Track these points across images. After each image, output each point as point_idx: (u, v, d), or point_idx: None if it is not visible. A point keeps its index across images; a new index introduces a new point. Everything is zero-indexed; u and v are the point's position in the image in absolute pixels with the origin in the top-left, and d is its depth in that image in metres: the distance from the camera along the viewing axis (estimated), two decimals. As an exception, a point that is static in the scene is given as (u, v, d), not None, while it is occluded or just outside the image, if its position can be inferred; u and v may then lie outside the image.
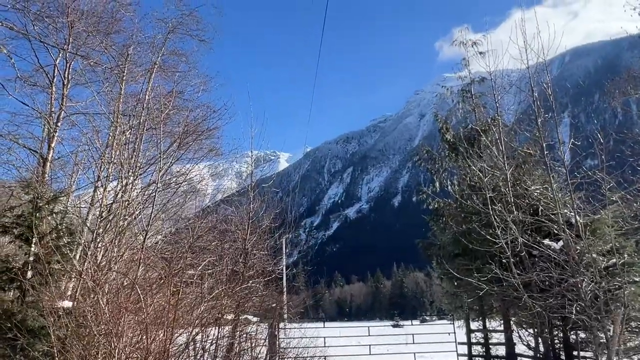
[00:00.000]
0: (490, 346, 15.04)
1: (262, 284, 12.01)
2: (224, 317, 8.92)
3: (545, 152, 10.15)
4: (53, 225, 7.30)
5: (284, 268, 16.50)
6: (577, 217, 9.57)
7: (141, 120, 9.85)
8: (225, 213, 14.83)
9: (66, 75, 9.56)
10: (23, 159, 9.36)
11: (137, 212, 9.36)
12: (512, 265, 9.80)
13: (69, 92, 9.63)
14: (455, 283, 14.19)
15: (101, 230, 8.47)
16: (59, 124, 9.17)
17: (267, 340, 11.53)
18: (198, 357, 7.68)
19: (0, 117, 9.73)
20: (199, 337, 7.37)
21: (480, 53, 14.97)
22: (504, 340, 14.21)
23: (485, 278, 10.04)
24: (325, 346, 14.84)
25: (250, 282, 11.41)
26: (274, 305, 12.69)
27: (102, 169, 9.33)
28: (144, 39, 10.93)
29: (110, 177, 9.30)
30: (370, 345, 17.22)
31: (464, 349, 15.73)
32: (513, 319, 13.71)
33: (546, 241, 10.17)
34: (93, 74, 10.37)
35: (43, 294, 5.99)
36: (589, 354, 11.69)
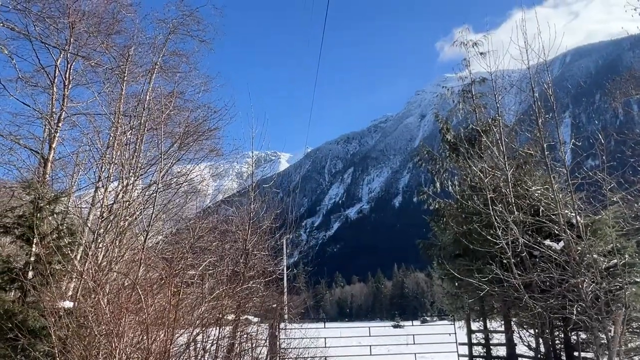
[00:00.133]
0: (491, 347, 15.03)
1: (263, 284, 12.03)
2: (225, 317, 8.93)
3: (546, 153, 10.14)
4: (54, 225, 7.30)
5: (285, 268, 16.52)
6: (578, 217, 9.56)
7: (142, 121, 9.86)
8: (226, 213, 14.87)
9: (67, 76, 9.58)
10: (24, 159, 9.38)
11: (138, 213, 9.37)
12: (512, 265, 9.79)
13: (70, 93, 9.64)
14: (456, 283, 14.19)
15: (102, 230, 8.48)
16: (60, 124, 9.18)
17: (267, 341, 11.53)
18: (199, 358, 7.68)
19: (2, 118, 9.77)
20: (199, 338, 7.37)
21: (481, 53, 14.98)
22: (504, 341, 14.20)
23: (486, 278, 10.03)
24: (325, 346, 14.85)
25: (251, 282, 11.42)
26: (274, 305, 12.70)
27: (103, 169, 9.34)
28: (144, 40, 10.95)
29: (111, 178, 9.31)
30: (370, 345, 17.21)
31: (464, 350, 15.72)
32: (514, 319, 13.69)
33: (547, 242, 10.16)
34: (94, 75, 10.40)
35: (44, 295, 5.99)
36: (589, 355, 11.67)
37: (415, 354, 17.45)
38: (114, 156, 9.27)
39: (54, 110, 9.30)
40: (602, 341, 9.09)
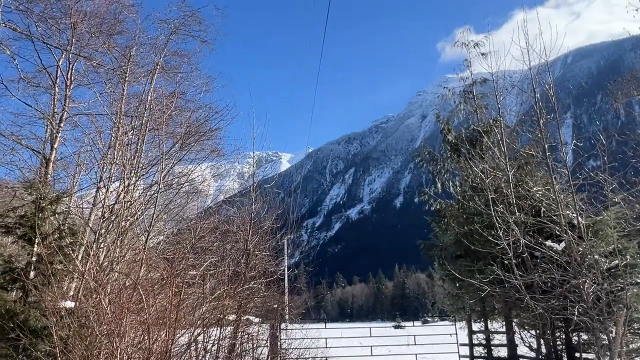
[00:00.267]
0: (492, 347, 15.02)
1: (264, 284, 12.03)
2: (226, 317, 8.93)
3: (548, 153, 10.12)
4: (56, 225, 7.31)
5: (286, 269, 16.52)
6: (580, 218, 9.55)
7: (143, 121, 9.87)
8: (227, 214, 14.88)
9: (69, 76, 9.59)
10: (26, 159, 9.40)
11: (139, 213, 9.38)
12: (514, 266, 9.78)
13: (71, 93, 9.66)
14: (457, 284, 14.18)
15: (103, 230, 8.49)
16: (61, 124, 9.19)
17: (268, 341, 11.54)
18: (200, 358, 7.69)
19: (4, 118, 9.78)
20: (200, 338, 7.38)
21: (482, 54, 14.98)
22: (505, 342, 14.18)
23: (487, 279, 10.02)
24: (326, 347, 14.84)
25: (252, 282, 11.43)
26: (275, 305, 12.71)
27: (104, 169, 9.35)
28: (146, 40, 10.96)
29: (113, 178, 9.32)
30: (371, 346, 17.21)
31: (465, 351, 15.70)
32: (515, 320, 13.68)
33: (548, 242, 10.15)
34: (96, 75, 10.41)
35: (45, 294, 6.00)
36: (591, 356, 11.66)
37: (416, 354, 17.44)
38: (116, 156, 9.28)
39: (55, 110, 9.32)
40: (604, 342, 9.07)
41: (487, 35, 15.07)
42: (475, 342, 15.54)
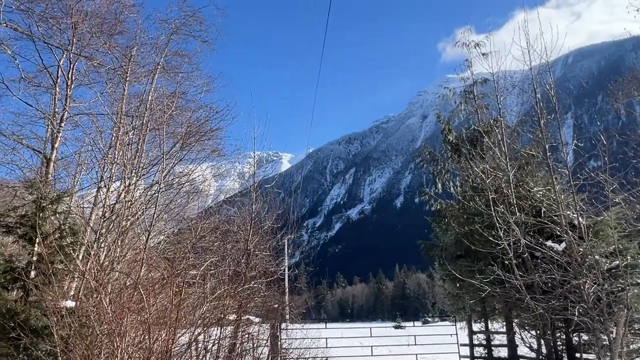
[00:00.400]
0: (493, 348, 15.01)
1: (265, 284, 12.03)
2: (226, 317, 8.94)
3: (548, 154, 10.12)
4: (56, 225, 7.32)
5: (286, 269, 16.52)
6: (580, 218, 9.55)
7: (144, 121, 9.88)
8: (227, 214, 14.89)
9: (70, 76, 9.60)
10: (27, 159, 9.41)
11: (139, 213, 9.39)
12: (514, 266, 9.78)
13: (72, 93, 9.67)
14: (458, 284, 14.18)
15: (104, 230, 8.49)
16: (62, 124, 9.20)
17: (269, 341, 11.54)
18: (200, 357, 7.69)
19: (4, 118, 9.80)
20: (201, 337, 7.38)
21: (483, 54, 14.98)
22: (506, 342, 14.18)
23: (488, 279, 10.02)
24: (327, 347, 14.84)
25: (253, 282, 11.43)
26: (276, 305, 12.71)
27: (105, 169, 9.35)
28: (147, 40, 10.97)
29: (113, 178, 9.33)
30: (372, 346, 17.21)
31: (466, 351, 15.70)
32: (515, 320, 13.67)
33: (549, 243, 10.14)
34: (96, 75, 10.42)
35: (46, 294, 6.01)
36: (591, 357, 11.65)
37: (416, 354, 17.43)
38: (116, 156, 9.29)
39: (56, 110, 9.33)
40: (604, 343, 9.06)
41: (488, 36, 15.06)
42: (475, 342, 15.54)
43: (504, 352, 14.56)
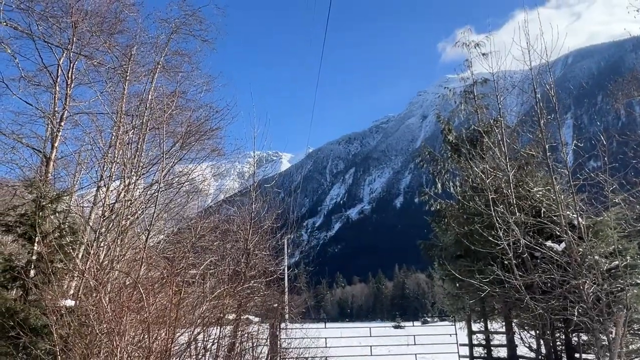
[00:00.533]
0: (492, 348, 15.02)
1: (264, 284, 12.03)
2: (226, 316, 8.94)
3: (548, 154, 10.12)
4: (56, 224, 7.32)
5: (286, 268, 16.51)
6: (580, 218, 9.55)
7: (144, 120, 9.88)
8: (227, 213, 14.88)
9: (70, 75, 9.60)
10: (26, 158, 9.42)
11: (139, 212, 9.39)
12: (514, 266, 9.78)
13: (72, 92, 9.67)
14: (457, 284, 14.18)
15: (104, 229, 8.50)
16: (62, 123, 9.20)
17: (268, 340, 11.54)
18: (199, 357, 7.69)
19: (4, 117, 9.78)
20: (200, 337, 7.37)
21: (483, 54, 14.97)
22: (505, 342, 14.18)
23: (487, 279, 10.02)
24: (326, 347, 14.84)
25: (252, 282, 11.43)
26: (275, 305, 12.71)
27: (104, 168, 9.36)
28: (147, 39, 10.97)
29: (113, 177, 9.33)
30: (371, 346, 17.20)
31: (465, 351, 15.70)
32: (515, 320, 13.67)
33: (548, 243, 10.15)
34: (96, 74, 10.43)
35: (46, 293, 6.01)
36: (590, 357, 11.65)
37: (415, 354, 17.43)
38: (116, 155, 9.29)
39: (56, 109, 9.33)
40: (603, 343, 9.07)
41: (488, 36, 15.05)
42: (475, 342, 15.54)
43: (503, 352, 14.56)
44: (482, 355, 15.31)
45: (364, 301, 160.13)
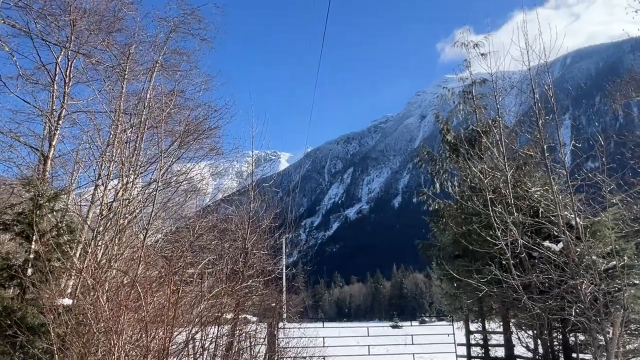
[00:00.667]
0: (490, 347, 15.04)
1: (262, 283, 12.03)
2: (224, 316, 8.93)
3: (546, 154, 10.14)
4: (53, 223, 7.30)
5: (284, 268, 16.50)
6: (578, 219, 9.57)
7: (142, 119, 9.86)
8: (225, 212, 14.86)
9: (68, 74, 9.57)
10: (24, 156, 9.38)
11: (137, 211, 9.37)
12: (512, 266, 9.80)
13: (70, 90, 9.64)
14: (455, 284, 14.19)
15: (101, 228, 8.48)
16: (60, 122, 9.17)
17: (266, 340, 11.53)
18: (197, 356, 7.69)
19: (2, 115, 9.75)
20: (198, 336, 7.37)
21: (482, 54, 14.97)
22: (503, 342, 14.21)
23: (485, 279, 10.04)
24: (324, 346, 14.83)
25: (250, 281, 11.43)
26: (273, 304, 12.70)
27: (102, 167, 9.33)
28: (145, 38, 10.95)
29: (111, 176, 9.31)
30: (369, 345, 17.20)
31: (463, 350, 15.72)
32: (512, 320, 13.70)
33: (546, 243, 10.17)
34: (95, 73, 10.39)
35: (43, 292, 5.99)
36: (588, 357, 11.69)
37: (413, 354, 17.43)
38: (114, 154, 9.26)
39: (54, 107, 9.30)
40: (601, 343, 9.10)
41: (487, 36, 15.08)
42: (472, 342, 15.57)
43: (500, 352, 14.59)
44: (479, 354, 15.33)
45: (362, 301, 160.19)
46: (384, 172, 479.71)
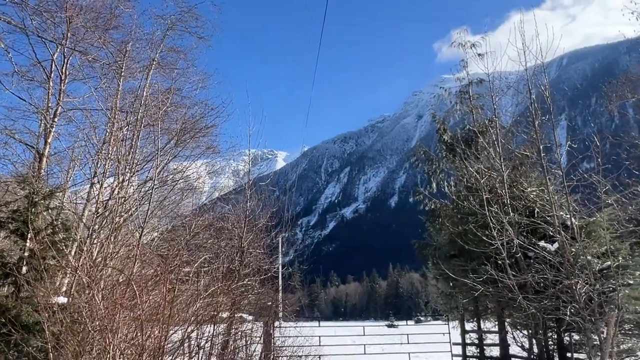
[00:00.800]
0: (485, 347, 15.10)
1: (258, 282, 12.02)
2: (220, 314, 8.92)
3: (542, 154, 10.18)
4: (49, 220, 7.27)
5: (280, 267, 16.50)
6: (573, 219, 9.61)
7: (139, 117, 9.81)
8: (221, 211, 14.84)
9: (64, 71, 9.51)
10: (19, 154, 9.32)
11: (133, 209, 9.33)
12: (507, 266, 9.83)
13: (66, 88, 9.58)
14: (451, 284, 14.24)
15: (97, 226, 8.44)
16: (55, 119, 9.12)
17: (262, 339, 11.53)
18: (193, 355, 7.67)
19: (-3, 112, 9.69)
20: (194, 335, 7.36)
21: (479, 55, 15.02)
22: (498, 341, 14.27)
23: (481, 279, 10.07)
24: (320, 345, 14.85)
25: (246, 280, 11.42)
26: (269, 303, 12.69)
27: (98, 165, 9.29)
28: (142, 36, 10.88)
29: (107, 174, 9.26)
30: (365, 344, 17.25)
31: (458, 350, 15.78)
32: (508, 320, 13.76)
33: (542, 243, 10.21)
34: (91, 70, 10.33)
35: (38, 290, 5.96)
36: (582, 356, 11.75)
37: (409, 353, 17.49)
38: (110, 152, 9.22)
39: (50, 105, 9.24)
40: (595, 342, 9.14)
41: (484, 36, 15.12)
42: (467, 341, 15.63)
43: (496, 352, 14.65)
44: (474, 354, 15.39)
45: (358, 300, 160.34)
46: (380, 172, 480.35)
